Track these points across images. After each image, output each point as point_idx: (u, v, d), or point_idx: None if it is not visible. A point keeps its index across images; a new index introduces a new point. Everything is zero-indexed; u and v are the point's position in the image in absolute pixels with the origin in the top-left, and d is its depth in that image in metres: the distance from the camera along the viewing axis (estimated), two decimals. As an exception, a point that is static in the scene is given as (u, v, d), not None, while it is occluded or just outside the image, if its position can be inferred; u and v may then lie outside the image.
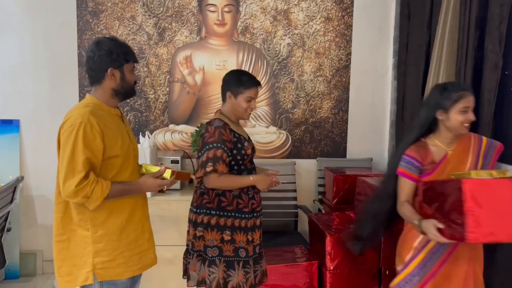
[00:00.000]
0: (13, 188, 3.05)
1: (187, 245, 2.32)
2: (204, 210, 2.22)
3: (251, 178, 2.19)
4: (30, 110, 3.48)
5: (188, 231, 2.30)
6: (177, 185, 3.19)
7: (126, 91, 1.96)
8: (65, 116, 1.86)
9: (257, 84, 2.27)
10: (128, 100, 3.49)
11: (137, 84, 2.04)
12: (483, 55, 2.54)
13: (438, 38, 2.84)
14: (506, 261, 2.30)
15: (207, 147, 2.15)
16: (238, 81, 2.25)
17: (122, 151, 1.89)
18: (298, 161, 3.63)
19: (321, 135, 3.66)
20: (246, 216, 2.22)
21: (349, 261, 2.71)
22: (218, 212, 2.20)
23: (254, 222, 2.25)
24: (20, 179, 3.14)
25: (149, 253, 2.04)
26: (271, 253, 2.89)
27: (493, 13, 2.44)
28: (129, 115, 3.53)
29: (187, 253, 2.34)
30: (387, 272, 2.75)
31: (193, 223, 2.25)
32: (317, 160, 3.66)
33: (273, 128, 3.64)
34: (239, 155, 2.20)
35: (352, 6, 3.56)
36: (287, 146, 3.65)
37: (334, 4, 3.55)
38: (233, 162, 2.20)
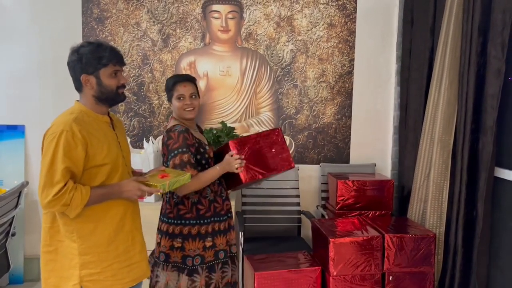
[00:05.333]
0: (17, 193, 3.07)
1: (157, 257, 2.27)
2: (183, 221, 2.22)
3: (217, 167, 2.19)
4: (35, 116, 3.50)
5: (159, 243, 2.27)
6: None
7: (108, 97, 1.85)
8: (51, 123, 1.80)
9: (181, 80, 2.26)
10: (132, 106, 3.52)
11: (125, 88, 1.93)
12: (486, 61, 2.55)
13: (441, 44, 2.85)
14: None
15: (172, 154, 2.14)
16: (166, 86, 2.31)
17: (109, 160, 1.81)
18: (302, 167, 3.64)
19: (324, 140, 3.67)
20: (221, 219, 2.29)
21: (352, 266, 2.71)
22: (198, 221, 2.22)
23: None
24: (24, 184, 3.16)
25: (141, 265, 1.95)
26: (274, 259, 2.88)
27: (495, 19, 2.45)
28: (133, 120, 3.55)
29: (155, 265, 2.29)
30: (390, 278, 2.74)
31: (169, 235, 2.23)
32: (320, 166, 3.66)
33: (276, 134, 3.64)
34: (203, 159, 2.23)
35: (355, 12, 3.57)
36: (290, 152, 3.65)
37: (337, 10, 3.57)
38: (199, 168, 2.21)
